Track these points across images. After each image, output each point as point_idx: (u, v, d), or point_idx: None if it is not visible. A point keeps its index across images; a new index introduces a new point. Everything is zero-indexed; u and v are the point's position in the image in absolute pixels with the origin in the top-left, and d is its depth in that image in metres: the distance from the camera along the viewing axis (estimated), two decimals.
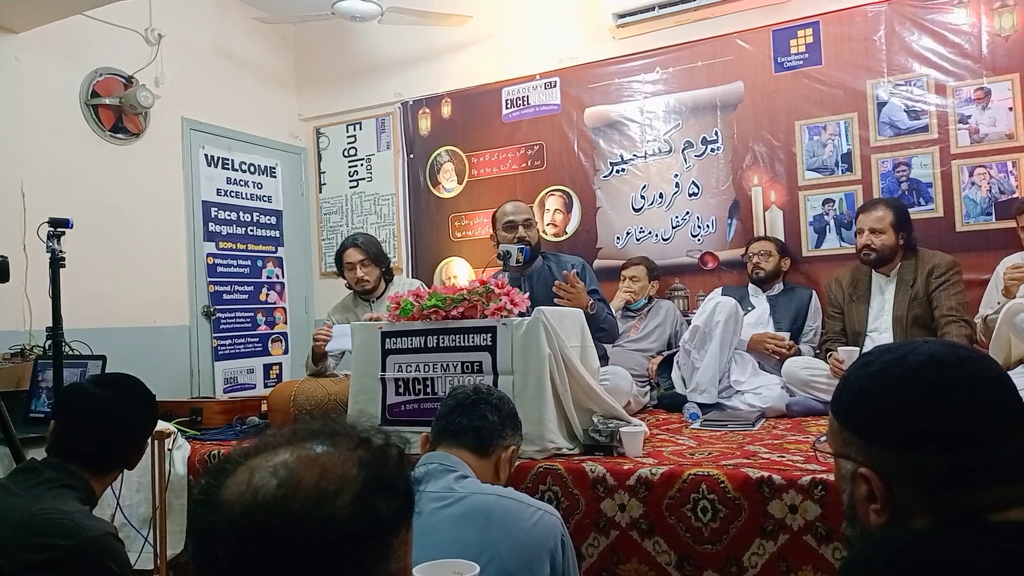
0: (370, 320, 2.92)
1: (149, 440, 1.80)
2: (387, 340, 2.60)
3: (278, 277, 5.11)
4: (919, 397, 0.87)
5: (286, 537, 0.67)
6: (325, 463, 0.71)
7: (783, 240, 3.91)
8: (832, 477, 1.94)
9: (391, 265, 3.81)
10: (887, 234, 3.29)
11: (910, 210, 3.47)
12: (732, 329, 3.29)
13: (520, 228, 3.34)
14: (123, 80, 4.19)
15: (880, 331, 3.31)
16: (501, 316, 2.42)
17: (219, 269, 4.70)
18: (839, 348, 3.19)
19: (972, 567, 0.77)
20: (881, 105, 3.78)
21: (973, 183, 3.60)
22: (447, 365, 2.48)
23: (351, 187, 5.27)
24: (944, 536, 0.82)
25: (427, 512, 1.45)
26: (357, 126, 5.24)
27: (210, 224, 4.67)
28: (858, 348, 3.21)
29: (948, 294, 3.18)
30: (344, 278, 3.68)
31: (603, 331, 3.25)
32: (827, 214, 3.91)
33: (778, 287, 3.79)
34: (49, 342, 2.78)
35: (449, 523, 1.46)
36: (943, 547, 0.80)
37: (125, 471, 1.86)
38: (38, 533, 1.45)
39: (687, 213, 4.23)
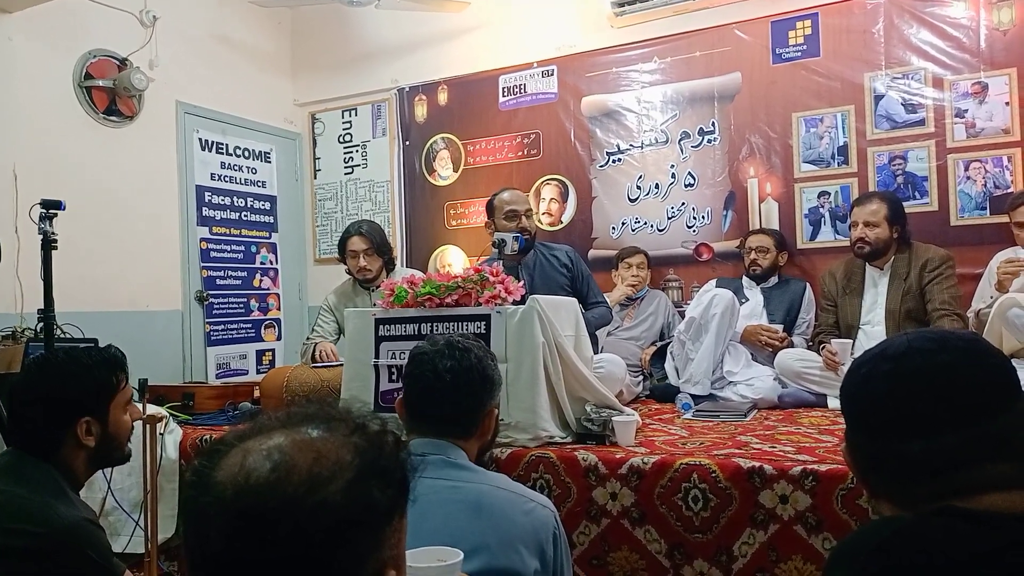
0: None
1: (92, 419, 1.64)
2: (381, 327, 2.60)
3: (272, 263, 5.09)
4: (880, 386, 0.91)
5: (278, 521, 0.66)
6: (320, 448, 0.71)
7: (780, 232, 3.91)
8: (822, 468, 1.96)
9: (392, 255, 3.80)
10: (881, 227, 3.29)
11: (905, 204, 3.47)
12: (728, 322, 3.30)
13: (522, 218, 3.36)
14: (117, 62, 4.15)
15: (873, 324, 3.33)
16: (495, 304, 2.43)
17: (212, 254, 4.68)
18: (832, 340, 3.21)
19: (958, 556, 0.78)
20: (878, 98, 3.78)
21: (968, 177, 3.60)
22: None
23: (346, 173, 5.24)
24: (930, 525, 0.82)
25: (420, 500, 1.44)
26: (353, 112, 5.21)
27: (204, 209, 4.65)
28: (851, 341, 3.22)
29: (941, 288, 3.19)
30: (345, 265, 3.68)
31: None
32: (822, 207, 3.92)
33: (773, 279, 3.79)
34: (40, 325, 2.77)
35: (441, 511, 1.46)
36: (930, 537, 0.81)
37: None
38: (14, 519, 1.43)
39: (683, 204, 4.22)
